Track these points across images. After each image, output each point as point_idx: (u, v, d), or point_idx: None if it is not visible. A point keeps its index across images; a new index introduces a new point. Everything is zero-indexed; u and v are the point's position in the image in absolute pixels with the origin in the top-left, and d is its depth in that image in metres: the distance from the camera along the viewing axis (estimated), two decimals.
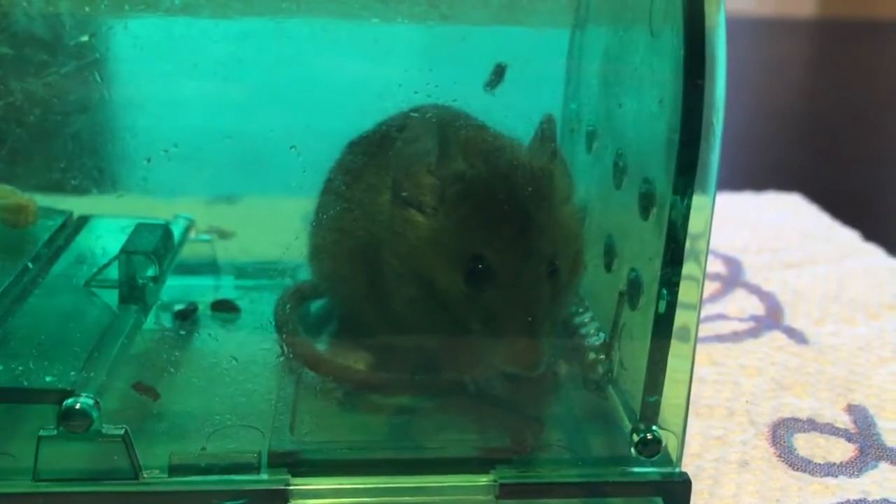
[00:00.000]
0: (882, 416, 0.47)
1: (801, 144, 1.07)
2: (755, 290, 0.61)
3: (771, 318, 0.57)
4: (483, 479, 0.37)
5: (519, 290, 0.38)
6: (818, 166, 0.97)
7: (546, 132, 0.40)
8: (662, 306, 0.36)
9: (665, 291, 0.36)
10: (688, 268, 0.35)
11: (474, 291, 0.38)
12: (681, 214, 0.35)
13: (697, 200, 0.35)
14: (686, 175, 0.34)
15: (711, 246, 0.67)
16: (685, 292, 0.36)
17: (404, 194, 0.39)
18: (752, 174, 0.90)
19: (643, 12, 0.37)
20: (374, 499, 0.37)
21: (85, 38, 0.41)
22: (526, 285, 0.38)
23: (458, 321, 0.39)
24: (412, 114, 0.39)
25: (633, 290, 0.39)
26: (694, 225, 0.35)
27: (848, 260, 0.67)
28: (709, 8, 0.34)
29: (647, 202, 0.37)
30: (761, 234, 0.72)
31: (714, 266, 0.65)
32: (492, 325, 0.38)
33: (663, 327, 0.36)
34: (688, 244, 0.35)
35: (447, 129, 0.39)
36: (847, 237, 0.71)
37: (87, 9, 0.40)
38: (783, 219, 0.75)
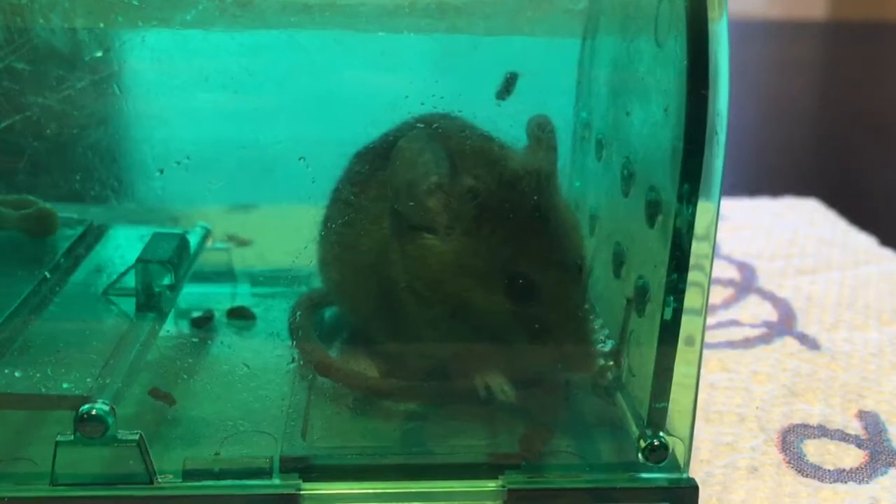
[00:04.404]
0: (893, 423, 0.46)
1: (817, 148, 1.07)
2: (769, 296, 0.61)
3: (783, 325, 0.57)
4: (492, 485, 0.38)
5: (562, 297, 0.39)
6: (835, 170, 0.97)
7: (542, 138, 0.40)
8: (668, 313, 0.36)
9: (671, 298, 0.36)
10: (693, 274, 0.36)
11: (519, 307, 0.39)
12: (685, 222, 0.35)
13: (702, 208, 0.35)
14: (691, 183, 0.35)
15: (726, 252, 0.68)
16: (691, 299, 0.36)
17: (418, 216, 0.39)
18: (770, 179, 0.90)
19: (648, 22, 0.38)
20: (383, 503, 0.37)
21: (99, 54, 0.42)
22: (567, 291, 0.39)
23: (499, 334, 0.40)
24: (418, 124, 0.40)
25: (641, 296, 0.39)
26: (698, 232, 0.35)
27: (863, 266, 0.67)
28: (711, 16, 0.34)
29: (653, 210, 0.37)
30: (777, 239, 0.72)
31: (728, 272, 0.65)
32: (543, 335, 0.39)
33: (670, 334, 0.36)
34: (693, 251, 0.35)
35: (444, 143, 0.39)
36: (863, 243, 0.71)
37: (101, 24, 0.41)
38: (799, 224, 0.75)
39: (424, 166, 0.38)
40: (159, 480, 0.37)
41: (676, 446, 0.38)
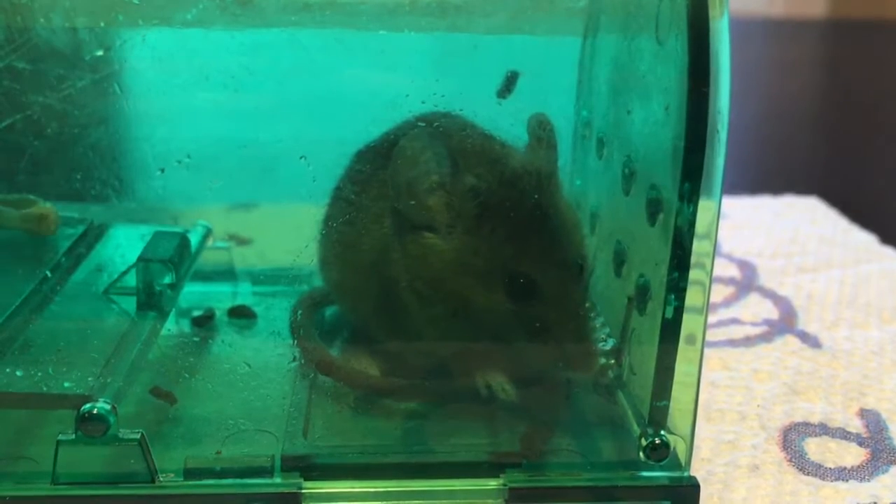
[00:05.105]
0: (894, 421, 0.46)
1: (818, 146, 1.07)
2: (769, 294, 0.61)
3: (784, 323, 0.57)
4: (493, 483, 0.38)
5: (563, 296, 0.39)
6: (835, 169, 0.96)
7: (543, 136, 0.40)
8: (670, 312, 0.36)
9: (672, 297, 0.36)
10: (694, 273, 0.36)
11: (519, 306, 0.39)
12: (686, 220, 0.35)
13: (703, 206, 0.35)
14: (692, 181, 0.35)
15: (727, 250, 0.68)
16: (692, 297, 0.36)
17: (419, 215, 0.39)
18: (771, 177, 0.90)
19: (649, 20, 0.37)
20: (384, 502, 0.37)
21: (100, 52, 0.42)
22: (568, 290, 0.39)
23: (500, 333, 0.40)
24: (418, 123, 0.40)
25: (642, 295, 0.39)
26: (700, 230, 0.35)
27: (864, 264, 0.67)
28: (713, 14, 0.34)
29: (654, 208, 0.37)
30: (777, 237, 0.72)
31: (729, 270, 0.65)
32: (543, 335, 0.39)
33: (671, 332, 0.36)
34: (694, 249, 0.35)
35: (446, 142, 0.39)
36: (864, 241, 0.71)
37: (102, 23, 0.41)
38: (800, 222, 0.75)
39: (425, 165, 0.38)
40: (161, 479, 0.37)
41: (678, 445, 0.38)
